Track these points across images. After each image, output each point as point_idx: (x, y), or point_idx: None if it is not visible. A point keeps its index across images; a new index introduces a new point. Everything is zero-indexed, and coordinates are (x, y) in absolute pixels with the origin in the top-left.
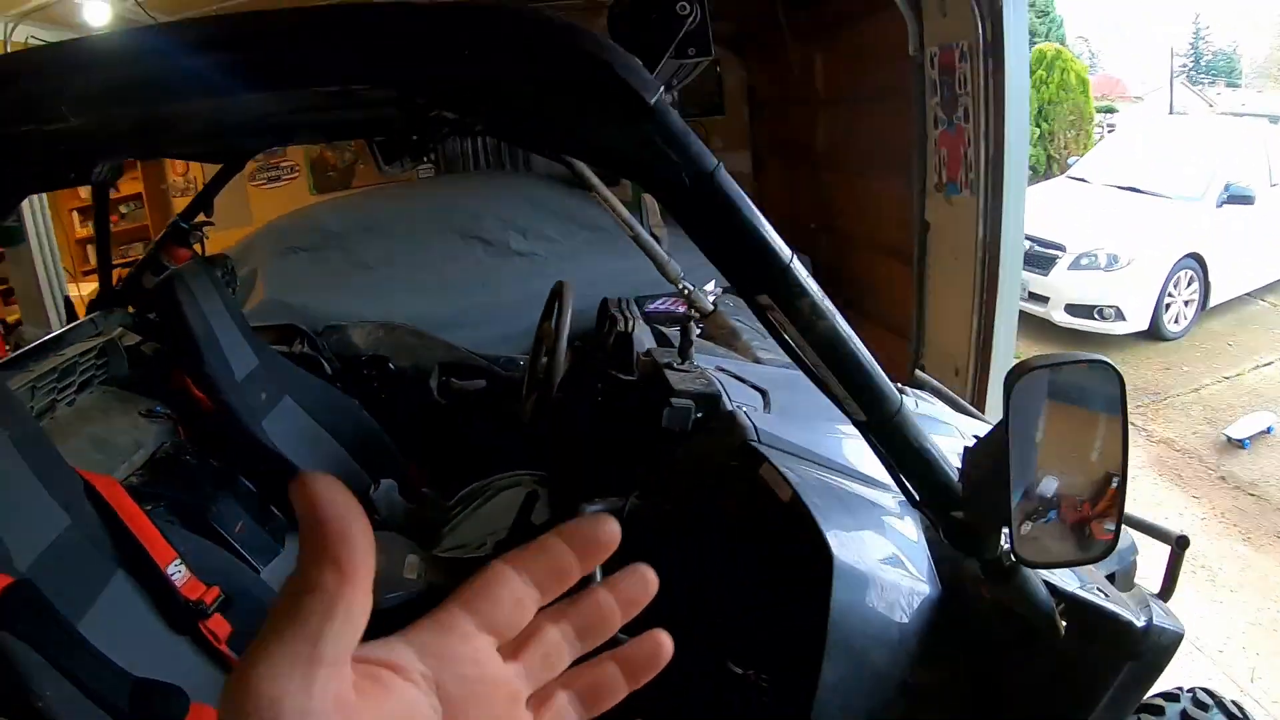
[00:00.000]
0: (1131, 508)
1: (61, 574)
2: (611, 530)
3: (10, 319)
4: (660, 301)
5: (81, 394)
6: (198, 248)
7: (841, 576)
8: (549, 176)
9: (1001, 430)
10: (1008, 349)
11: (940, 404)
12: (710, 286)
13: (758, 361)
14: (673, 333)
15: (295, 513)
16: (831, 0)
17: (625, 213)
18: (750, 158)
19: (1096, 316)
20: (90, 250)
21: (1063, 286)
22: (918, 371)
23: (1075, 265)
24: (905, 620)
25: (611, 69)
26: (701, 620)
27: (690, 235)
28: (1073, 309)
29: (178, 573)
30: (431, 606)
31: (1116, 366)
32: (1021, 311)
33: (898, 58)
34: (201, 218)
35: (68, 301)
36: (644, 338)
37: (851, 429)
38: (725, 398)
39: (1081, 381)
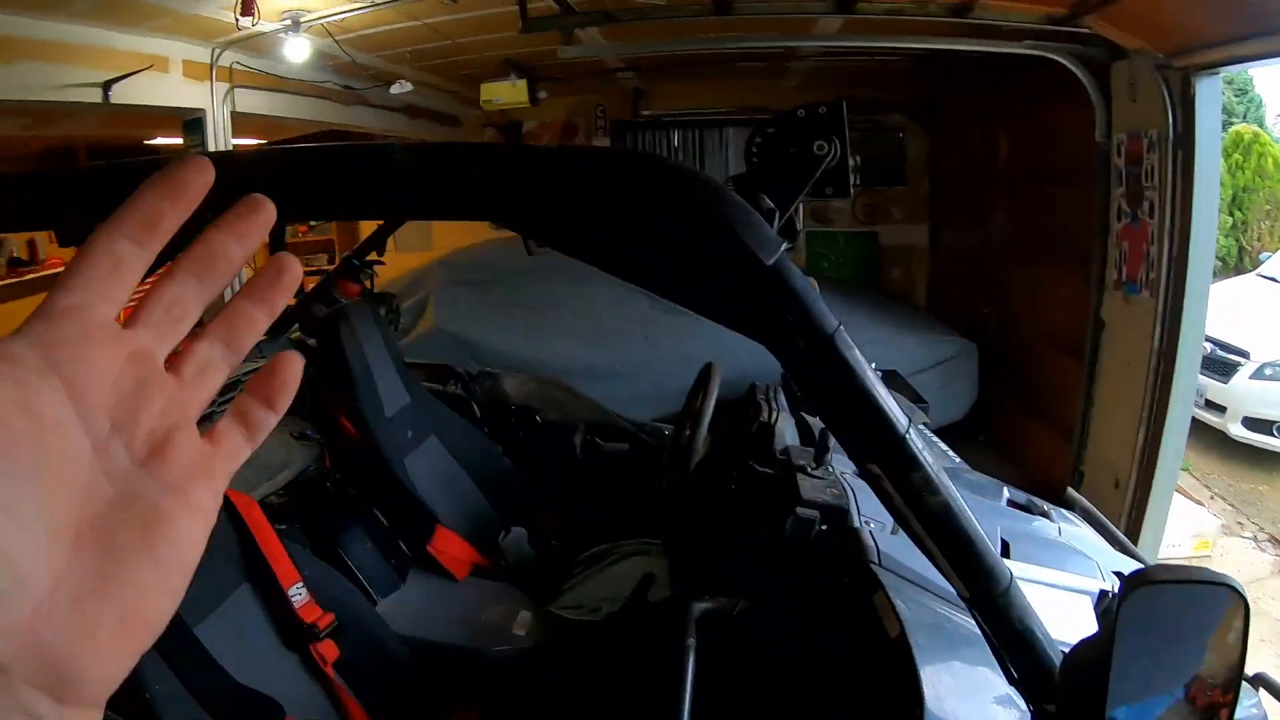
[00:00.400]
0: None
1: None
2: (195, 170)
3: None
4: None
5: None
6: (367, 284)
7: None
8: None
9: (1106, 640)
10: (1174, 466)
11: (1087, 528)
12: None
13: None
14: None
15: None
16: (1019, 76)
17: None
18: (928, 231)
19: (1277, 434)
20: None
21: (1243, 397)
22: (1070, 490)
23: (1259, 374)
24: None
25: (731, 226)
26: None
27: (804, 396)
28: (1252, 423)
29: (299, 595)
30: (536, 664)
31: (1243, 591)
32: (1194, 419)
33: (1084, 143)
34: (373, 256)
35: None
36: (786, 431)
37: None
38: (854, 512)
39: (1205, 599)
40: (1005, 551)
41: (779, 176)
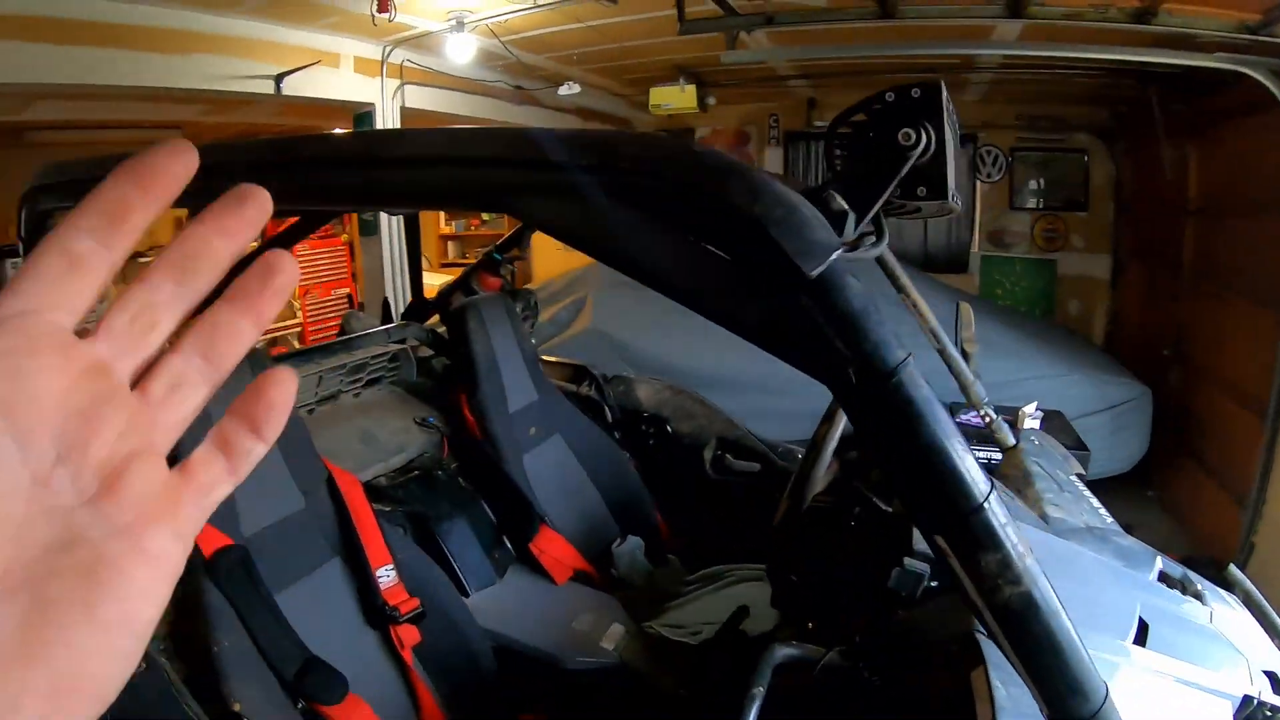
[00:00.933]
0: None
1: (280, 547)
2: (176, 154)
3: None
4: (971, 413)
5: (368, 390)
6: (507, 278)
7: None
8: (901, 260)
9: None
10: None
11: (1246, 615)
12: (1031, 409)
13: (1043, 519)
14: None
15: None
16: (1209, 93)
17: (934, 323)
18: (1110, 262)
19: None
20: (450, 245)
21: None
22: (1232, 568)
23: None
24: None
25: (764, 227)
26: None
27: (860, 440)
28: None
29: (386, 576)
30: (621, 684)
31: None
32: None
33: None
34: (515, 252)
35: (386, 306)
36: None
37: (1108, 648)
38: None
39: None
40: (1143, 634)
41: (862, 173)
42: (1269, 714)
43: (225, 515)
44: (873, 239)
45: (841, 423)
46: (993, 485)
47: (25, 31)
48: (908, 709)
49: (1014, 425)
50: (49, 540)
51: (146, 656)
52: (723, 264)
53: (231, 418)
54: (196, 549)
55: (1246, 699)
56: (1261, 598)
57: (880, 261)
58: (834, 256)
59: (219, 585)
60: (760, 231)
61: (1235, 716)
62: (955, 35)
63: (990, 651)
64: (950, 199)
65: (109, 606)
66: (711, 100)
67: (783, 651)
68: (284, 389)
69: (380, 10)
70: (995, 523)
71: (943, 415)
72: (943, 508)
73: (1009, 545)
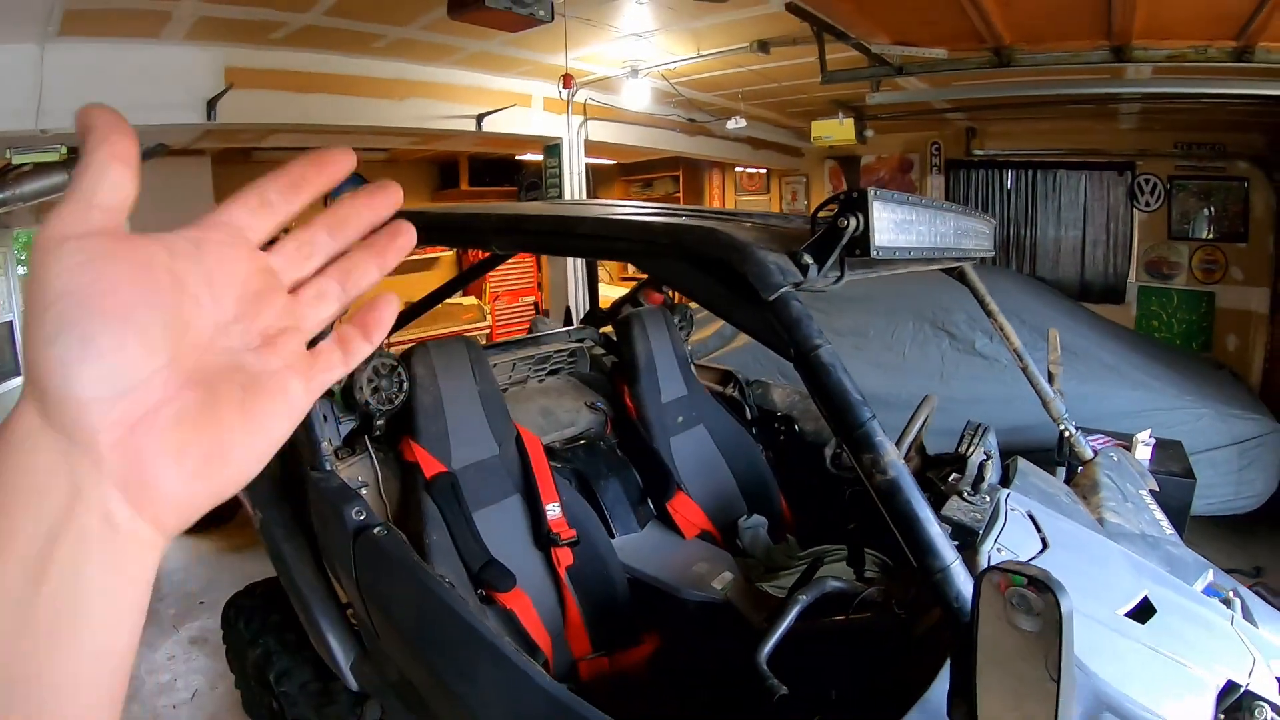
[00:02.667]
0: None
1: (478, 480)
2: (342, 156)
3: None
4: (1097, 437)
5: (551, 378)
6: (670, 294)
7: (925, 709)
8: (1044, 284)
9: (973, 625)
10: None
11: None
12: (1145, 436)
13: (1100, 522)
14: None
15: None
16: None
17: (1018, 343)
18: (1269, 296)
19: None
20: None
21: None
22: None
23: None
24: None
25: (744, 276)
26: (834, 680)
27: (809, 391)
28: None
29: (553, 511)
30: (724, 618)
31: (1057, 590)
32: None
33: None
34: None
35: (568, 314)
36: (980, 468)
37: (1097, 614)
38: (988, 534)
39: (1037, 596)
40: (1145, 612)
41: (821, 241)
42: (1255, 702)
43: (443, 450)
44: (834, 278)
45: (922, 420)
46: (873, 415)
47: (270, 81)
48: (925, 645)
49: (1129, 449)
50: (221, 364)
51: (388, 527)
52: (730, 293)
53: (350, 323)
54: (419, 469)
55: (1231, 684)
56: None
57: (974, 293)
58: (782, 290)
59: (433, 497)
60: (743, 278)
61: (1218, 698)
62: (1087, 73)
63: None
64: (874, 254)
65: (256, 415)
66: (870, 132)
67: (832, 583)
68: (390, 309)
69: (565, 87)
70: (873, 435)
71: (846, 378)
72: (844, 424)
73: (883, 448)
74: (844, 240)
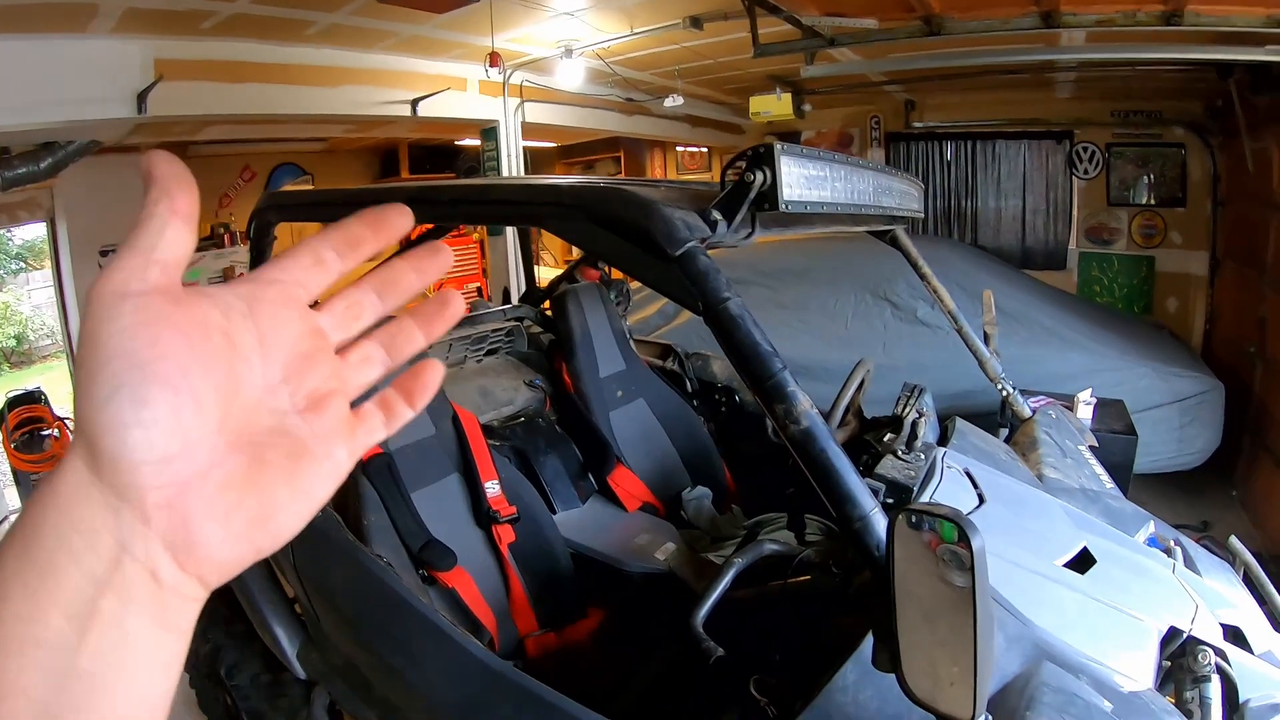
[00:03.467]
0: None
1: (415, 460)
2: (400, 215)
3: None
4: (1039, 398)
5: (489, 357)
6: (606, 271)
7: (859, 660)
8: (985, 252)
9: (888, 567)
10: None
11: (1233, 576)
12: (1086, 395)
13: (1040, 478)
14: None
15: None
16: None
17: (952, 305)
18: (1208, 259)
19: None
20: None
21: None
22: (1233, 540)
23: None
24: None
25: (649, 232)
26: (773, 643)
27: (720, 346)
28: None
29: (492, 488)
30: (668, 588)
31: (969, 530)
32: None
33: None
34: None
35: (506, 293)
36: (913, 427)
37: (1034, 565)
38: (922, 491)
39: (952, 535)
40: (1085, 562)
41: (731, 198)
42: (1198, 647)
43: None
44: (745, 233)
45: (856, 385)
46: (784, 365)
47: (201, 72)
48: (853, 604)
49: (1070, 408)
50: (269, 426)
51: (325, 511)
52: (639, 251)
53: (394, 388)
54: None
55: (1174, 630)
56: (1259, 568)
57: (908, 258)
58: (688, 245)
59: (370, 480)
60: (649, 234)
61: (1161, 644)
62: (1021, 41)
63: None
64: (783, 207)
65: (302, 478)
66: (808, 107)
67: (768, 546)
68: (435, 374)
69: (492, 65)
70: (784, 385)
71: (756, 330)
72: (755, 376)
73: (790, 398)
74: (751, 195)
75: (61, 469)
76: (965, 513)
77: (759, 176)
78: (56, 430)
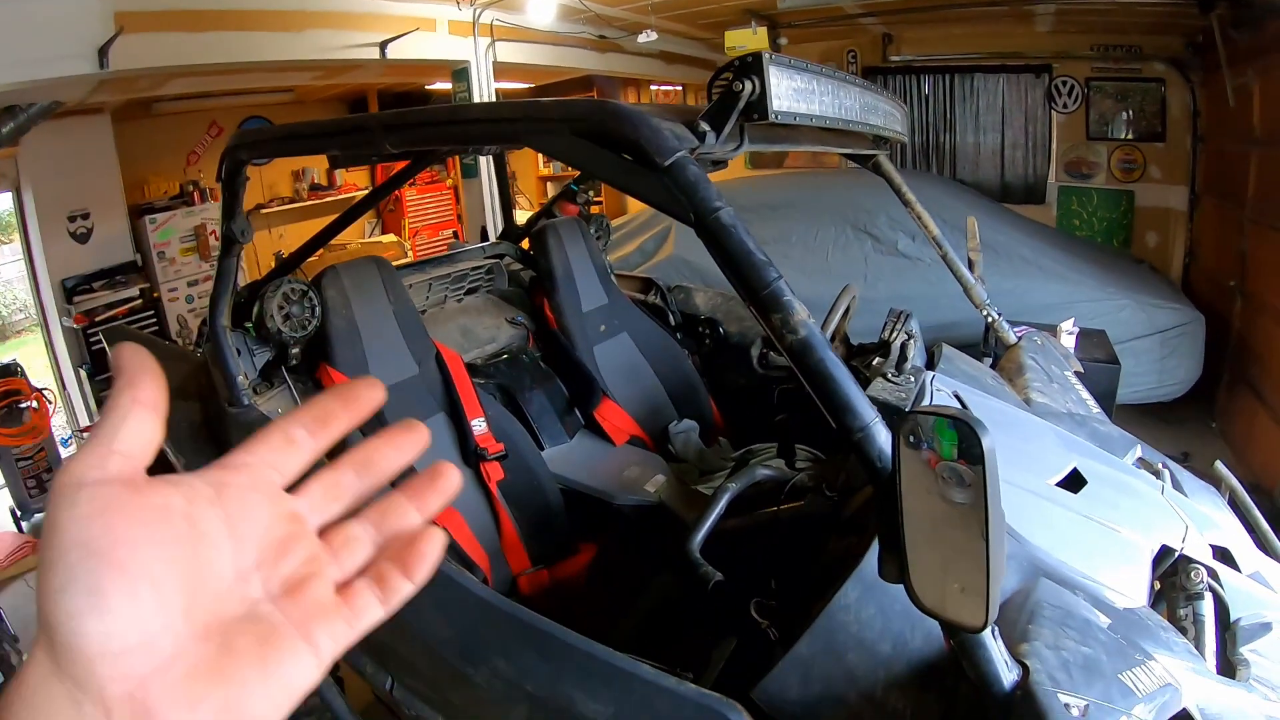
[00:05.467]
0: None
1: (400, 400)
2: (370, 389)
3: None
4: (1021, 328)
5: (469, 296)
6: (584, 206)
7: (860, 578)
8: (964, 186)
9: (895, 476)
10: None
11: (1219, 499)
12: (1068, 325)
13: (1027, 402)
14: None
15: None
16: (1270, 18)
17: (936, 230)
18: (1187, 194)
19: None
20: (549, 186)
21: None
22: (1218, 464)
23: None
24: (903, 648)
25: (638, 143)
26: (769, 568)
27: (714, 257)
28: None
29: (479, 426)
30: (660, 520)
31: (978, 430)
32: None
33: None
34: (589, 184)
35: (484, 231)
36: (902, 349)
37: (1027, 484)
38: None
39: (963, 439)
40: (1077, 481)
41: (719, 108)
42: (1190, 565)
43: (361, 373)
44: (733, 145)
45: (841, 311)
46: (779, 275)
47: (163, 23)
48: (857, 524)
49: (1054, 336)
50: (239, 613)
51: None
52: (627, 164)
53: (389, 560)
54: None
55: (1166, 549)
56: (1244, 492)
57: (892, 185)
58: (678, 155)
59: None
60: (639, 145)
61: (1153, 563)
62: None
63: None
64: (772, 117)
65: (276, 666)
66: (784, 41)
67: (761, 471)
68: (435, 543)
69: (461, 1)
70: (780, 295)
71: (749, 238)
72: (750, 286)
73: (788, 307)
74: (740, 105)
75: (29, 661)
76: None
77: (747, 86)
78: (35, 402)
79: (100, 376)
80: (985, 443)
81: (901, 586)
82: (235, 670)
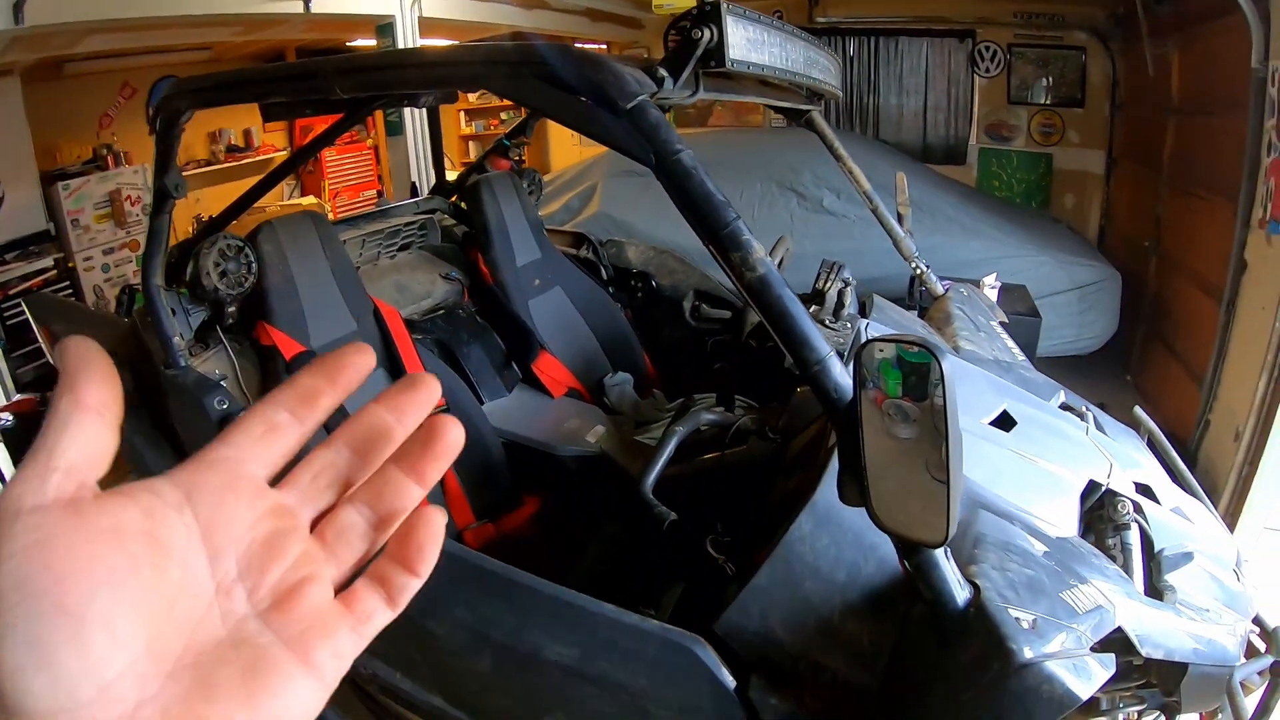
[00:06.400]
0: None
1: None
2: (360, 355)
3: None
4: (946, 282)
5: (402, 253)
6: (516, 160)
7: (814, 511)
8: (888, 146)
9: (855, 404)
10: None
11: (1137, 446)
12: (991, 279)
13: (956, 350)
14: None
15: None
16: None
17: (867, 185)
18: (1105, 159)
19: None
20: (471, 145)
21: None
22: (1136, 409)
23: None
24: (857, 575)
25: (600, 85)
26: (717, 511)
27: (673, 200)
28: None
29: None
30: (602, 470)
31: (938, 353)
32: None
33: (1242, 69)
34: (521, 138)
35: (414, 187)
36: (839, 296)
37: (971, 432)
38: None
39: (919, 364)
40: (1006, 422)
41: (677, 55)
42: (1116, 499)
43: (300, 331)
44: (689, 92)
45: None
46: (738, 215)
47: None
48: (795, 465)
49: (977, 288)
50: (220, 638)
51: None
52: (588, 106)
53: (388, 558)
54: (278, 352)
55: (1093, 484)
56: (1161, 434)
57: (825, 141)
58: (639, 98)
59: None
60: (601, 88)
61: (1082, 497)
62: None
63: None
64: (729, 65)
65: (267, 699)
66: None
67: (705, 415)
68: (432, 530)
69: None
70: (739, 235)
71: (708, 180)
72: (709, 226)
73: (745, 246)
74: (699, 51)
75: None
76: None
77: (705, 34)
78: None
79: (18, 352)
80: (945, 366)
81: (853, 517)
82: (218, 710)
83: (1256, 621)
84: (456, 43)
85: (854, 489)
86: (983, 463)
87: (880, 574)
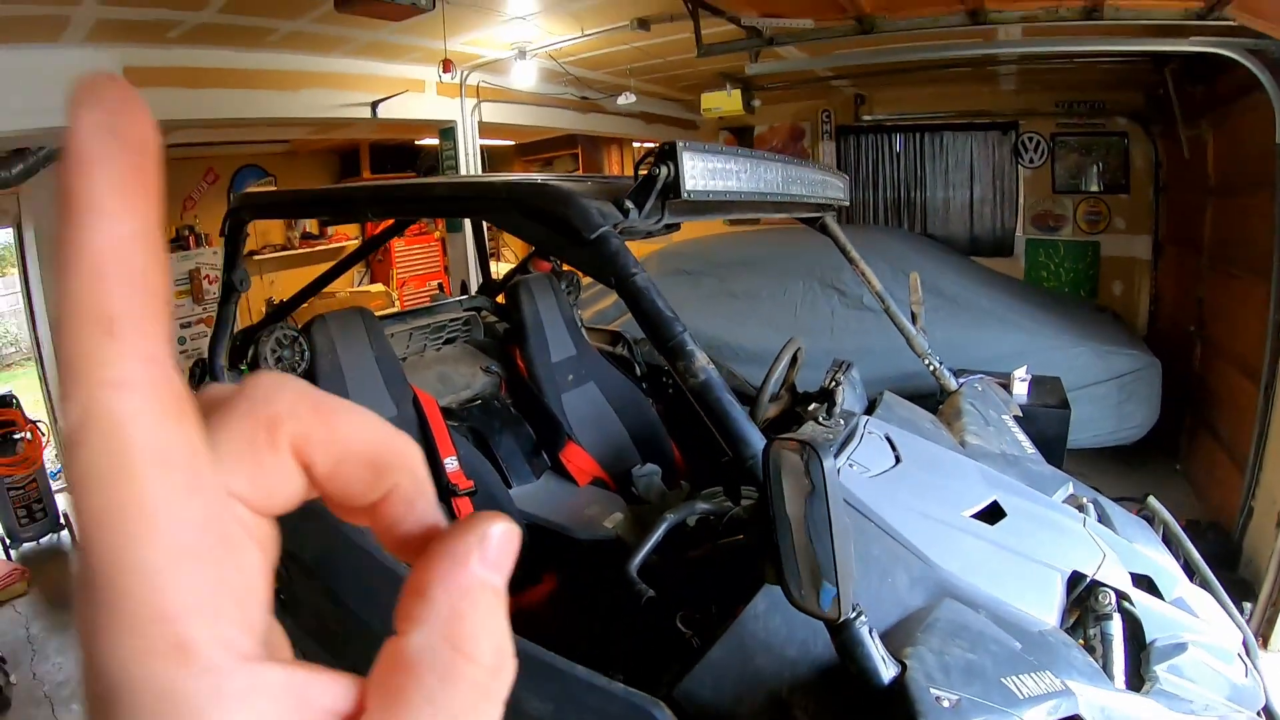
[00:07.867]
0: None
1: None
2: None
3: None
4: (976, 376)
5: (446, 345)
6: (558, 262)
7: (769, 592)
8: (934, 240)
9: (765, 492)
10: None
11: (1147, 537)
12: (1021, 372)
13: (962, 444)
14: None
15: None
16: (1215, 77)
17: (879, 285)
18: (1151, 243)
19: None
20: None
21: None
22: (1150, 499)
23: None
24: (805, 654)
25: (567, 219)
26: (703, 592)
27: (630, 311)
28: None
29: (451, 464)
30: (615, 553)
31: (820, 451)
32: None
33: (1269, 146)
34: None
35: (464, 285)
36: (841, 395)
37: (942, 516)
38: (841, 451)
39: (809, 460)
40: (996, 514)
41: (642, 189)
42: (1099, 590)
43: None
44: (655, 219)
45: (785, 363)
46: (684, 328)
47: (169, 78)
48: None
49: (1006, 385)
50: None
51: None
52: (560, 237)
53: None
54: None
55: (1078, 575)
56: (1176, 524)
57: (838, 244)
58: (602, 230)
59: None
60: (568, 221)
61: (1066, 588)
62: (957, 37)
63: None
64: (685, 196)
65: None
66: (757, 102)
67: (699, 505)
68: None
69: (444, 71)
70: (685, 344)
71: (659, 298)
72: (660, 337)
73: (694, 355)
74: (658, 186)
75: None
76: (881, 471)
77: (664, 170)
78: (28, 433)
79: None
80: (826, 464)
81: None
82: None
83: (1266, 712)
84: (500, 149)
85: (771, 569)
86: (958, 554)
87: (828, 652)
